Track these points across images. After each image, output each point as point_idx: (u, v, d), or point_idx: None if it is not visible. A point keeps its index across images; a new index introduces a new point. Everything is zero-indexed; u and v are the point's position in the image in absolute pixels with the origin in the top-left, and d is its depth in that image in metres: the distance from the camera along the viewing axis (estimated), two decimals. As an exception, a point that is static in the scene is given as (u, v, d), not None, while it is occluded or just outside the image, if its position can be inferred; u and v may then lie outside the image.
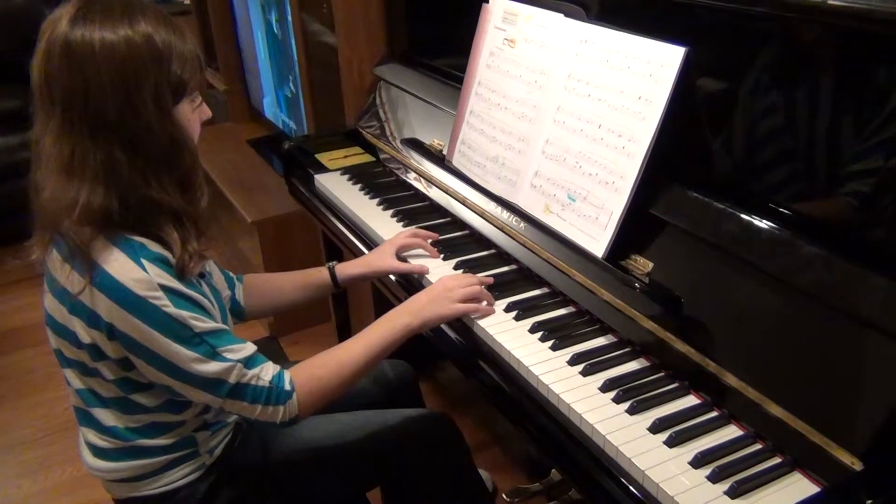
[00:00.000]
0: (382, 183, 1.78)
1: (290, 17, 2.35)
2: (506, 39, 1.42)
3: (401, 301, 1.28)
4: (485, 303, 1.25)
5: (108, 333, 1.01)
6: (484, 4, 1.49)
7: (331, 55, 2.12)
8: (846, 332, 0.92)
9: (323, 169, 1.89)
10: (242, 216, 2.52)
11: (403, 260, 1.44)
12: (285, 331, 2.63)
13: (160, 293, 0.99)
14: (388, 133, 1.86)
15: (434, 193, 1.63)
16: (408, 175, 1.74)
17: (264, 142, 3.05)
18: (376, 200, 1.69)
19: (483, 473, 1.88)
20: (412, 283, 1.43)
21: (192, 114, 1.07)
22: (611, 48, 1.21)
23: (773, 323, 1.00)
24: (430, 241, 1.46)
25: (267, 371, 1.08)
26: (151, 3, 1.03)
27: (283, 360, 1.90)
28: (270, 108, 3.01)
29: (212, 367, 1.02)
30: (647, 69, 1.14)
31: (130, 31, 0.96)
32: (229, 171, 2.85)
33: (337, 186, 1.78)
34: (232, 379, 1.04)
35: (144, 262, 0.99)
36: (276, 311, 1.45)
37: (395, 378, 1.51)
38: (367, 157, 1.93)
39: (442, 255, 1.45)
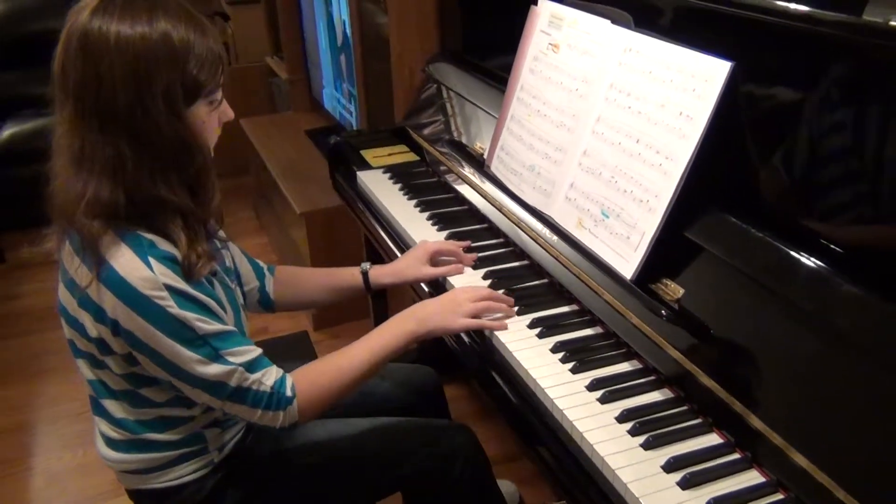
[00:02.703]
0: (423, 184, 1.76)
1: (347, 10, 2.34)
2: (550, 44, 1.37)
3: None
4: (498, 315, 1.23)
5: (113, 329, 1.01)
6: (532, 6, 1.44)
7: (386, 50, 2.10)
8: (886, 385, 0.84)
9: (366, 166, 1.87)
10: (292, 207, 2.53)
11: (435, 265, 1.41)
12: (327, 323, 2.63)
13: (165, 293, 0.98)
14: (433, 133, 1.83)
15: (473, 198, 1.60)
16: (449, 177, 1.71)
17: (322, 133, 3.06)
18: (414, 202, 1.67)
19: (509, 486, 1.84)
20: (439, 288, 1.41)
21: (209, 115, 1.04)
22: (654, 59, 1.15)
23: (807, 367, 0.93)
24: (462, 248, 1.43)
25: (269, 376, 1.06)
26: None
27: (310, 356, 1.91)
28: (329, 99, 3.02)
29: (213, 369, 1.01)
30: (691, 83, 1.08)
31: (148, 27, 0.95)
32: (285, 160, 2.87)
33: (377, 184, 1.76)
34: (233, 382, 1.03)
35: (152, 260, 0.98)
36: (305, 308, 1.46)
37: (419, 384, 1.48)
38: (412, 157, 1.91)
39: (472, 265, 1.41)
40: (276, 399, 1.06)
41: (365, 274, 1.39)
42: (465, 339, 1.26)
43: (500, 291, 1.31)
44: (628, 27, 1.23)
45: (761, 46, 1.06)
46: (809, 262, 0.96)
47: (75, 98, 0.96)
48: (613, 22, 1.25)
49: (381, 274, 1.40)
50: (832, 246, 0.98)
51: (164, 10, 0.96)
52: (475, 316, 1.21)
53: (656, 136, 1.12)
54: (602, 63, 1.25)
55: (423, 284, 1.43)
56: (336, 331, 2.63)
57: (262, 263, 1.36)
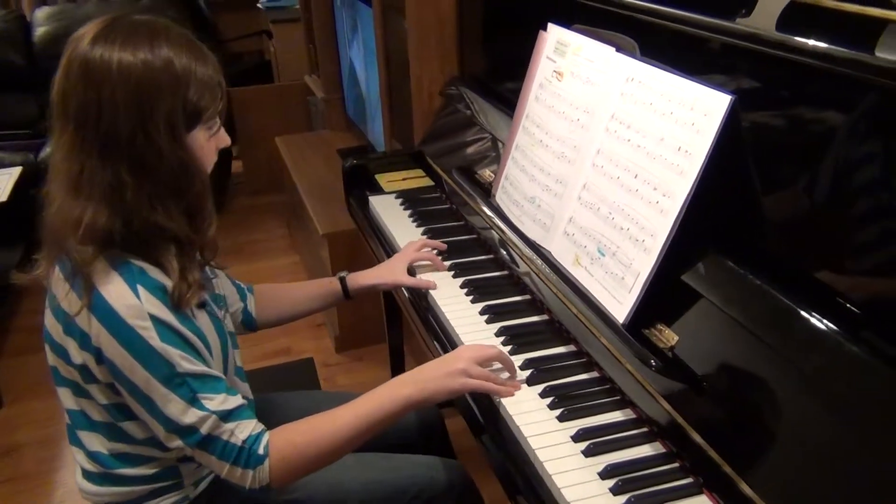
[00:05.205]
0: (433, 211, 1.71)
1: (374, 33, 2.32)
2: (555, 71, 1.31)
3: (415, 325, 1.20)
4: (505, 376, 1.13)
5: (97, 357, 0.99)
6: (541, 32, 1.39)
7: (409, 73, 2.07)
8: (889, 461, 0.76)
9: (379, 190, 1.84)
10: (315, 227, 2.52)
11: (413, 272, 1.46)
12: (350, 346, 2.61)
13: (148, 323, 0.96)
14: (447, 158, 1.79)
15: (479, 228, 1.55)
16: (460, 206, 1.66)
17: (353, 153, 3.04)
18: (422, 229, 1.63)
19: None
20: (420, 296, 1.43)
21: (208, 141, 1.04)
22: (655, 89, 1.08)
23: (804, 435, 0.84)
24: (437, 251, 1.50)
25: (243, 429, 1.01)
26: (177, 27, 1.01)
27: (313, 384, 1.87)
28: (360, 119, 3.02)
29: (186, 412, 0.98)
30: (690, 117, 1.01)
31: (150, 54, 0.95)
32: (314, 179, 2.87)
33: (387, 210, 1.73)
34: (204, 430, 0.98)
35: (140, 288, 0.96)
36: (287, 321, 1.45)
37: (419, 420, 1.43)
38: (426, 182, 1.87)
39: (471, 297, 1.36)
40: (245, 455, 1.00)
41: (342, 280, 1.43)
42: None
43: (498, 326, 1.26)
44: (632, 55, 1.17)
45: (771, 80, 0.99)
46: (815, 319, 0.88)
47: (76, 124, 0.95)
48: (618, 49, 1.19)
49: (361, 276, 1.45)
50: (847, 304, 0.89)
51: (167, 38, 0.96)
52: (480, 379, 1.10)
53: (654, 172, 1.06)
54: (604, 93, 1.19)
55: (404, 290, 1.47)
56: (359, 353, 2.60)
57: (242, 284, 1.35)
